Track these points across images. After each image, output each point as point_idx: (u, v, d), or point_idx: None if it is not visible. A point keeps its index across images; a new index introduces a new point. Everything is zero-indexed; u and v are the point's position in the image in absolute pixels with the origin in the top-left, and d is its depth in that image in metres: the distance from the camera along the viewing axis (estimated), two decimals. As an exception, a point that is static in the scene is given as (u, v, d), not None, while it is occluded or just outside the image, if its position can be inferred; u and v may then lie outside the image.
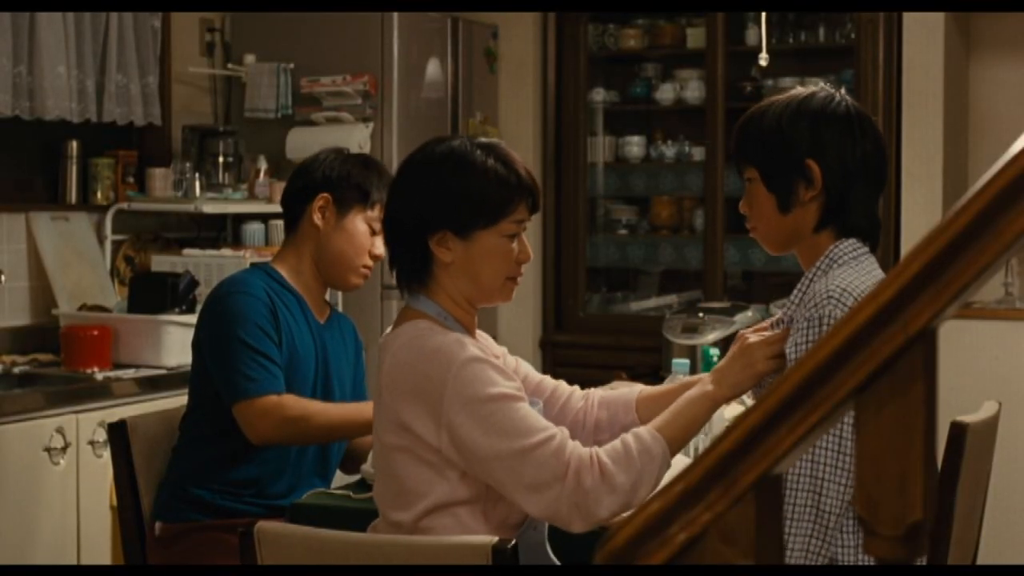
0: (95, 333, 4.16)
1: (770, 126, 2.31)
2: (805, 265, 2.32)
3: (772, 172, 2.31)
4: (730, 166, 5.37)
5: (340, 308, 3.78)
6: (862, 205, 2.30)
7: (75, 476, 3.83)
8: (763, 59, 4.18)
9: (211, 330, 2.95)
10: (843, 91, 2.36)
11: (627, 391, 2.56)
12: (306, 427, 2.89)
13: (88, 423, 3.86)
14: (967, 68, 5.26)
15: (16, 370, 4.17)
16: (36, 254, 4.47)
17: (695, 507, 1.24)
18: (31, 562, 3.71)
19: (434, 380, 2.18)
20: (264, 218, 4.82)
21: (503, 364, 2.39)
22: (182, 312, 4.20)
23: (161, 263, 4.58)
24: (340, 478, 3.15)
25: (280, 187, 3.43)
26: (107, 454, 3.58)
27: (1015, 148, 1.12)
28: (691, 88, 5.61)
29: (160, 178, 4.75)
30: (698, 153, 5.60)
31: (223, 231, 5.07)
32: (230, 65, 5.14)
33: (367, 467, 2.84)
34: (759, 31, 4.67)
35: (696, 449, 2.84)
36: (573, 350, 5.64)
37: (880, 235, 2.36)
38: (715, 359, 2.96)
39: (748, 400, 2.68)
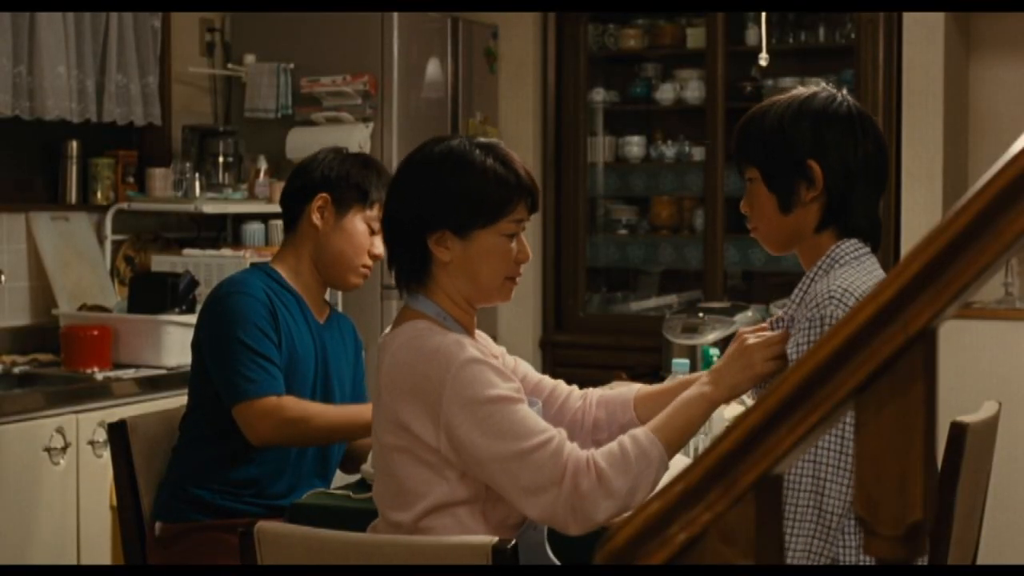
0: (95, 333, 4.16)
1: (772, 126, 2.30)
2: (806, 265, 2.32)
3: (773, 172, 2.31)
4: (730, 166, 5.37)
5: (340, 308, 3.78)
6: (863, 206, 2.30)
7: (75, 476, 3.83)
8: (763, 59, 4.18)
9: (211, 331, 2.95)
10: (845, 92, 2.36)
11: (625, 390, 2.56)
12: (306, 429, 2.89)
13: (88, 423, 3.86)
14: (967, 68, 5.26)
15: (16, 370, 4.17)
16: (36, 254, 4.47)
17: (695, 507, 1.24)
18: (31, 562, 3.71)
19: (433, 381, 2.18)
20: (264, 218, 4.82)
21: (502, 364, 2.39)
22: (182, 312, 4.20)
23: (161, 263, 4.58)
24: (340, 478, 3.15)
25: (280, 187, 3.43)
26: (107, 454, 3.58)
27: (1015, 148, 1.12)
28: (691, 88, 5.61)
29: (160, 178, 4.75)
30: (698, 153, 5.60)
31: (223, 231, 5.07)
32: (230, 65, 5.14)
33: (367, 467, 2.84)
34: (759, 31, 4.67)
35: (696, 449, 2.84)
36: (573, 350, 5.64)
37: (881, 235, 2.36)
38: (715, 359, 2.95)
39: (748, 400, 2.68)
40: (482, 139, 2.36)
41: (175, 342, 4.15)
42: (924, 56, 4.98)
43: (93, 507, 3.87)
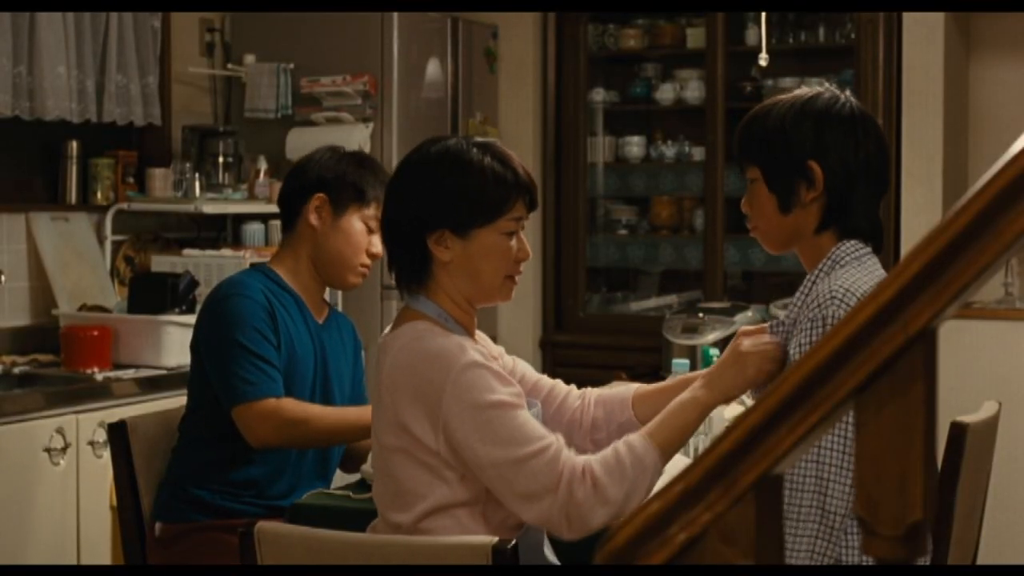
0: (95, 333, 4.16)
1: (773, 126, 2.30)
2: (807, 266, 2.32)
3: (774, 172, 2.31)
4: (730, 166, 5.37)
5: (340, 308, 3.78)
6: (864, 207, 2.30)
7: (75, 476, 3.83)
8: (763, 59, 4.18)
9: (209, 333, 2.94)
10: (847, 92, 2.36)
11: (623, 389, 2.56)
12: (305, 430, 2.88)
13: (88, 423, 3.86)
14: (967, 68, 5.26)
15: (16, 370, 4.17)
16: (36, 254, 4.47)
17: (695, 507, 1.23)
18: (31, 562, 3.71)
19: (434, 383, 2.18)
20: (264, 218, 4.82)
21: (501, 365, 2.38)
22: (182, 312, 4.20)
23: (161, 263, 4.58)
24: (340, 478, 3.15)
25: (280, 187, 3.43)
26: (107, 454, 3.58)
27: (1015, 148, 1.12)
28: (691, 88, 5.61)
29: (160, 178, 4.75)
30: (698, 153, 5.60)
31: (223, 231, 5.07)
32: (230, 65, 5.14)
33: (367, 467, 2.84)
34: (759, 31, 4.67)
35: (696, 449, 2.84)
36: (573, 350, 5.64)
37: (883, 236, 2.36)
38: (715, 359, 2.95)
39: (748, 400, 2.68)
40: (479, 138, 2.36)
41: (175, 342, 4.15)
42: (924, 56, 4.98)
43: (93, 507, 3.87)
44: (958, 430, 2.70)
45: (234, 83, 5.18)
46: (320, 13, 4.93)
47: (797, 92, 2.36)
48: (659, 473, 2.19)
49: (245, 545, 2.16)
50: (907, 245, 4.97)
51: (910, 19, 5.02)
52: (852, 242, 2.29)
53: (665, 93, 5.66)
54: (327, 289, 3.16)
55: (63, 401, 3.85)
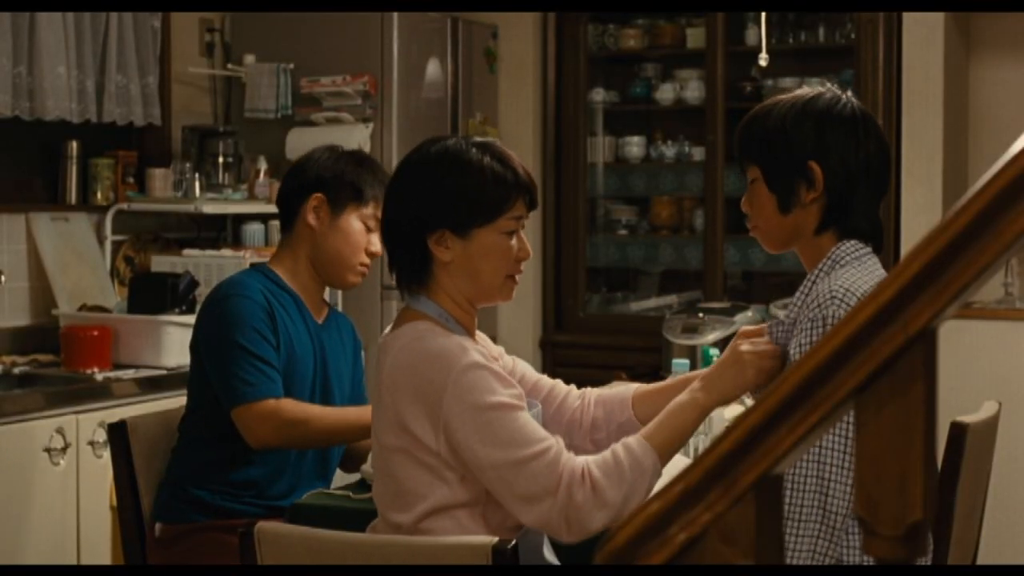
0: (95, 333, 4.16)
1: (774, 126, 2.30)
2: (808, 266, 2.32)
3: (774, 172, 2.31)
4: (730, 166, 5.37)
5: (340, 308, 3.77)
6: (864, 207, 2.30)
7: (75, 476, 3.83)
8: (763, 59, 4.18)
9: (209, 334, 2.94)
10: (849, 93, 2.36)
11: (623, 388, 2.56)
12: (305, 431, 2.88)
13: (88, 423, 3.86)
14: (967, 68, 5.26)
15: (16, 370, 4.17)
16: (36, 254, 4.47)
17: (695, 507, 1.23)
18: (31, 562, 3.71)
19: (435, 384, 2.18)
20: (264, 218, 4.82)
21: (501, 365, 2.38)
22: (182, 312, 4.20)
23: (161, 263, 4.58)
24: (340, 478, 3.15)
25: (280, 187, 3.44)
26: (107, 454, 3.58)
27: (1015, 148, 1.12)
28: (691, 88, 5.61)
29: (160, 178, 4.75)
30: (698, 153, 5.60)
31: (223, 231, 5.07)
32: (230, 65, 5.14)
33: (367, 467, 2.84)
34: (759, 31, 4.67)
35: (696, 449, 2.84)
36: (573, 350, 5.64)
37: (883, 237, 2.36)
38: (715, 359, 2.95)
39: (748, 400, 2.68)
40: (478, 138, 2.36)
41: (175, 342, 4.15)
42: (924, 56, 4.98)
43: (93, 507, 3.87)
44: (958, 430, 2.70)
45: (234, 83, 5.18)
46: (320, 13, 4.93)
47: (798, 92, 2.36)
48: (657, 475, 2.19)
49: (245, 545, 2.16)
50: (907, 245, 4.96)
51: (910, 19, 5.02)
52: (852, 242, 2.29)
53: (665, 93, 5.66)
54: (327, 289, 3.16)
55: (63, 401, 3.85)
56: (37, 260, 4.47)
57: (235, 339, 2.87)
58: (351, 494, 2.77)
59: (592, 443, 2.49)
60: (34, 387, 3.99)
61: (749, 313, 4.97)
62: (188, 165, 4.84)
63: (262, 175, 4.88)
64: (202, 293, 4.17)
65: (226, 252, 4.59)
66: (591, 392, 2.57)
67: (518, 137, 5.57)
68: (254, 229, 4.84)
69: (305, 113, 4.97)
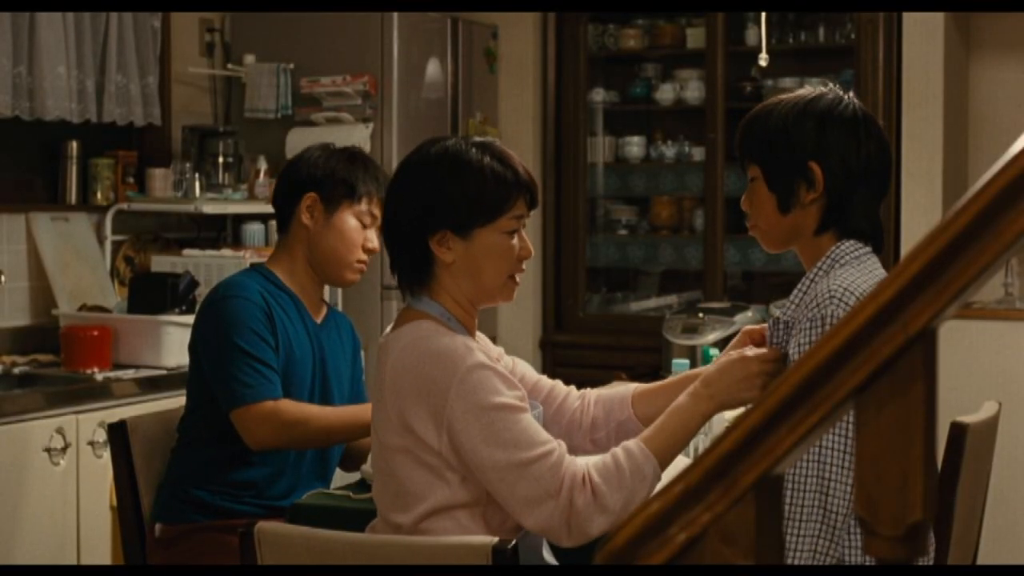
0: (95, 333, 4.16)
1: (775, 125, 2.30)
2: (807, 266, 2.32)
3: (774, 172, 2.31)
4: (730, 166, 5.37)
5: (340, 308, 3.77)
6: (864, 208, 2.29)
7: (75, 476, 3.83)
8: (763, 59, 4.18)
9: (207, 336, 2.93)
10: (851, 94, 2.36)
11: (623, 388, 2.56)
12: (304, 431, 2.88)
13: (88, 423, 3.86)
14: (967, 68, 5.26)
15: (16, 370, 4.17)
16: (36, 254, 4.47)
17: (695, 507, 1.23)
18: (31, 562, 3.71)
19: (438, 383, 2.18)
20: (264, 218, 4.82)
21: (502, 366, 2.38)
22: (182, 312, 4.19)
23: (161, 263, 4.58)
24: (340, 478, 3.14)
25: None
26: (107, 454, 3.58)
27: (1015, 148, 1.12)
28: (691, 88, 5.61)
29: (160, 178, 4.75)
30: (698, 153, 5.60)
31: (223, 231, 5.07)
32: (230, 65, 5.14)
33: (367, 467, 2.84)
34: (759, 31, 4.67)
35: (696, 449, 2.84)
36: (573, 350, 5.64)
37: (883, 238, 2.35)
38: (715, 359, 2.95)
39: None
40: (478, 138, 2.36)
41: (175, 342, 4.15)
42: (924, 56, 4.98)
43: (93, 507, 3.87)
44: (958, 430, 2.70)
45: (234, 83, 5.18)
46: (320, 13, 4.93)
47: (800, 92, 2.35)
48: (657, 479, 2.19)
49: (245, 545, 2.16)
50: (907, 245, 4.96)
51: (910, 19, 5.02)
52: (851, 242, 2.29)
53: (665, 93, 5.66)
54: (326, 288, 3.15)
55: (63, 401, 3.85)
56: (37, 260, 4.47)
57: (233, 340, 2.87)
58: (351, 494, 2.76)
59: (592, 443, 2.49)
60: (34, 387, 3.99)
61: (749, 313, 4.97)
62: (188, 165, 4.84)
63: (262, 175, 4.88)
64: (202, 293, 4.17)
65: (226, 252, 4.59)
66: (591, 392, 2.57)
67: (518, 137, 5.57)
68: (254, 229, 4.83)
69: (305, 113, 4.97)
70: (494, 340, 2.68)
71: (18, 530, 3.69)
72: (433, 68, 5.13)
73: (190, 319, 3.09)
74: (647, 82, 5.76)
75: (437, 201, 2.27)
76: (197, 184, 4.80)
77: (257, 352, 2.87)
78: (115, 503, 3.28)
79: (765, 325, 2.36)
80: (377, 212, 3.03)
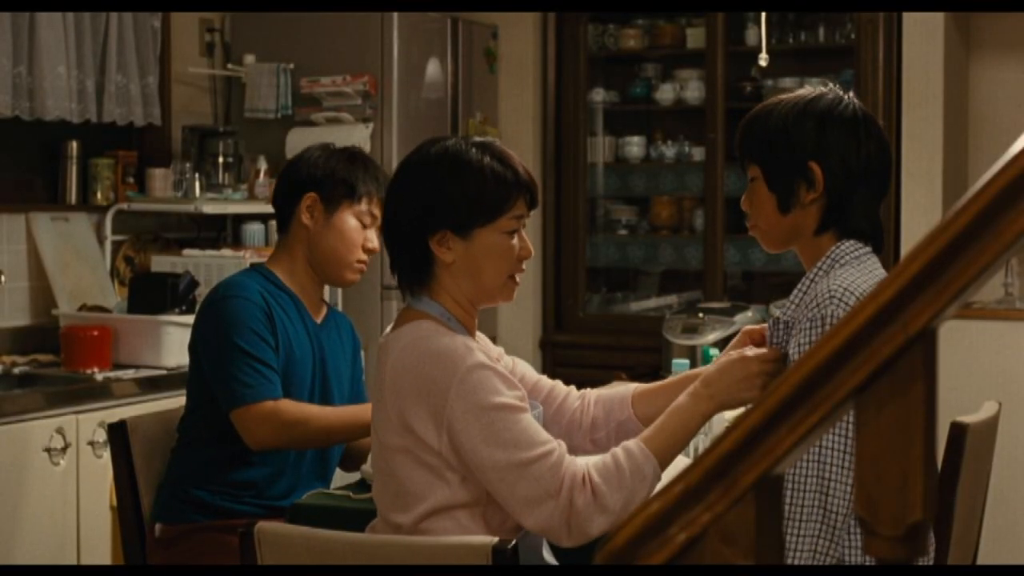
0: (95, 333, 4.16)
1: (776, 125, 2.30)
2: (807, 266, 2.32)
3: (774, 172, 2.31)
4: (730, 166, 5.37)
5: (340, 308, 3.77)
6: (864, 208, 2.29)
7: (75, 476, 3.83)
8: (763, 59, 4.18)
9: (207, 336, 2.93)
10: (851, 94, 2.36)
11: (623, 388, 2.56)
12: (304, 431, 2.88)
13: (88, 423, 3.86)
14: (967, 68, 5.26)
15: (16, 370, 4.17)
16: (36, 254, 4.47)
17: (695, 507, 1.23)
18: (31, 562, 3.71)
19: (438, 383, 2.18)
20: (264, 218, 4.82)
21: (502, 366, 2.38)
22: (182, 312, 4.19)
23: (161, 263, 4.58)
24: (340, 478, 3.14)
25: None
26: (107, 454, 3.58)
27: (1015, 148, 1.12)
28: (691, 88, 5.61)
29: (160, 178, 4.75)
30: (698, 153, 5.60)
31: (223, 231, 5.07)
32: (230, 65, 5.14)
33: (367, 467, 2.84)
34: (759, 31, 4.67)
35: (696, 449, 2.84)
36: (573, 350, 5.64)
37: (883, 238, 2.35)
38: (715, 359, 2.95)
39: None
40: (478, 138, 2.36)
41: (175, 342, 4.15)
42: (924, 56, 4.98)
43: (93, 507, 3.87)
44: (958, 430, 2.70)
45: (234, 83, 5.18)
46: (320, 13, 4.93)
47: (800, 92, 2.35)
48: (657, 480, 2.19)
49: (245, 545, 2.16)
50: (907, 245, 4.96)
51: (910, 19, 5.02)
52: (851, 242, 2.29)
53: (665, 93, 5.66)
54: (327, 288, 3.15)
55: (63, 401, 3.85)
56: (37, 260, 4.47)
57: (233, 341, 2.87)
58: (351, 494, 2.77)
59: (592, 443, 2.49)
60: (34, 387, 3.99)
61: (749, 313, 4.97)
62: (188, 165, 4.84)
63: (262, 175, 4.88)
64: (202, 293, 4.17)
65: (226, 252, 4.59)
66: (591, 392, 2.57)
67: (518, 137, 5.57)
68: (254, 229, 4.83)
69: (305, 113, 4.97)
70: (494, 340, 2.68)
71: (18, 530, 3.69)
72: (433, 68, 5.13)
73: (190, 319, 3.09)
74: (647, 82, 5.76)
75: (437, 201, 2.27)
76: (197, 184, 4.80)
77: (257, 352, 2.87)
78: (115, 503, 3.28)
79: (765, 325, 2.36)
80: (377, 212, 3.03)
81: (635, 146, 5.74)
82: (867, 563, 2.14)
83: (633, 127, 5.82)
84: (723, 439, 1.23)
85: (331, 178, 3.00)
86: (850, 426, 2.07)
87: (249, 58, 5.05)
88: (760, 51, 4.22)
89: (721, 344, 4.56)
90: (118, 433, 3.02)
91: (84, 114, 4.57)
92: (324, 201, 3.00)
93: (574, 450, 2.29)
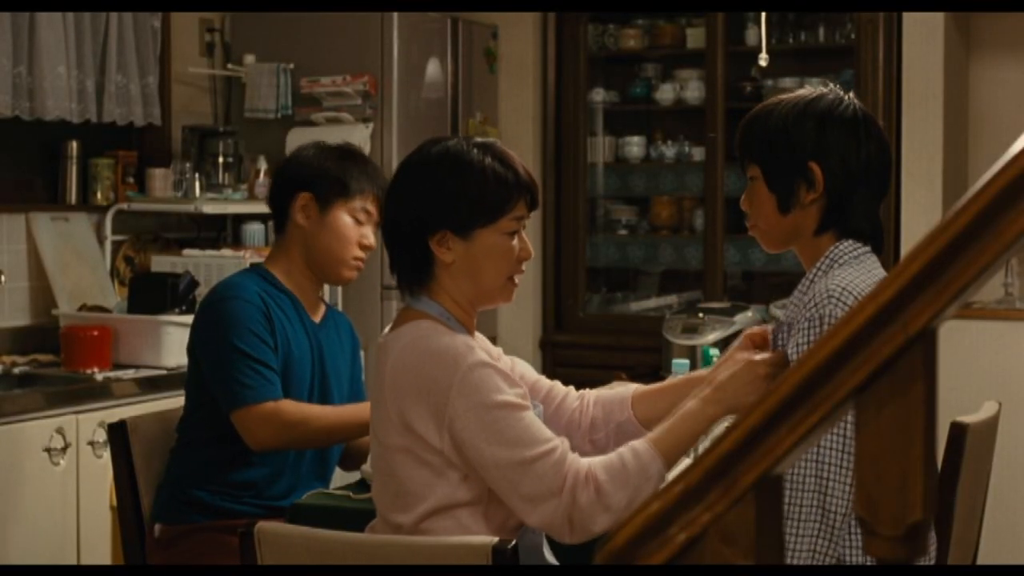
0: (95, 333, 4.16)
1: (776, 125, 2.30)
2: (807, 267, 2.32)
3: (774, 172, 2.31)
4: (730, 166, 5.37)
5: (340, 307, 3.77)
6: (863, 208, 2.29)
7: (75, 476, 3.83)
8: (763, 59, 4.18)
9: (206, 337, 2.93)
10: (851, 94, 2.36)
11: (623, 389, 2.56)
12: (305, 431, 2.88)
13: (88, 423, 3.86)
14: (967, 68, 5.26)
15: (16, 370, 4.17)
16: (36, 254, 4.47)
17: (695, 507, 1.23)
18: (31, 562, 3.71)
19: (440, 382, 2.18)
20: (264, 218, 4.82)
21: (501, 365, 2.38)
22: (182, 312, 4.19)
23: (161, 263, 4.58)
24: (340, 478, 3.14)
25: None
26: (107, 454, 3.58)
27: (1015, 148, 1.12)
28: (691, 88, 5.61)
29: (160, 178, 4.75)
30: (698, 153, 5.60)
31: (223, 231, 5.07)
32: (230, 65, 5.14)
33: (367, 467, 2.84)
34: (759, 31, 4.67)
35: (696, 449, 2.84)
36: (573, 350, 5.64)
37: (883, 238, 2.35)
38: (715, 359, 2.95)
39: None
40: (479, 138, 2.36)
41: (175, 342, 4.14)
42: (924, 56, 4.98)
43: (93, 507, 3.87)
44: (958, 430, 2.70)
45: (234, 83, 5.18)
46: (320, 13, 4.93)
47: (800, 92, 2.35)
48: (662, 481, 2.18)
49: (245, 545, 2.16)
50: (907, 245, 4.96)
51: (910, 19, 5.02)
52: (850, 241, 2.29)
53: (665, 93, 5.66)
54: (327, 288, 3.15)
55: (63, 401, 3.85)
56: (37, 260, 4.47)
57: (232, 342, 2.86)
58: (351, 494, 2.77)
59: (591, 444, 2.49)
60: (34, 387, 3.99)
61: (749, 313, 4.97)
62: (188, 165, 4.84)
63: (262, 175, 4.88)
64: (202, 293, 4.17)
65: (226, 252, 4.59)
66: (590, 393, 2.57)
67: (518, 137, 5.57)
68: (254, 229, 4.84)
69: (305, 113, 4.97)
70: (494, 340, 2.68)
71: (18, 530, 3.69)
72: (433, 68, 5.13)
73: (190, 319, 3.09)
74: (647, 82, 5.76)
75: (437, 201, 2.27)
76: (197, 184, 4.80)
77: (256, 353, 2.87)
78: (115, 503, 3.28)
79: (766, 327, 2.36)
80: (371, 208, 3.02)
81: (635, 146, 5.74)
82: (867, 563, 2.14)
83: (633, 127, 5.82)
84: (723, 439, 1.23)
85: (323, 177, 2.99)
86: (848, 426, 2.07)
87: (249, 58, 5.05)
88: (760, 51, 4.22)
89: (721, 344, 4.56)
90: (118, 433, 3.02)
91: (84, 114, 4.57)
92: (317, 200, 2.99)
93: (572, 450, 2.29)
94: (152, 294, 4.24)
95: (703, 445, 2.78)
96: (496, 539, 2.04)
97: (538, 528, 2.20)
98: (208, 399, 2.93)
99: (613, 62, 5.87)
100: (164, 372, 4.15)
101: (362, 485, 2.84)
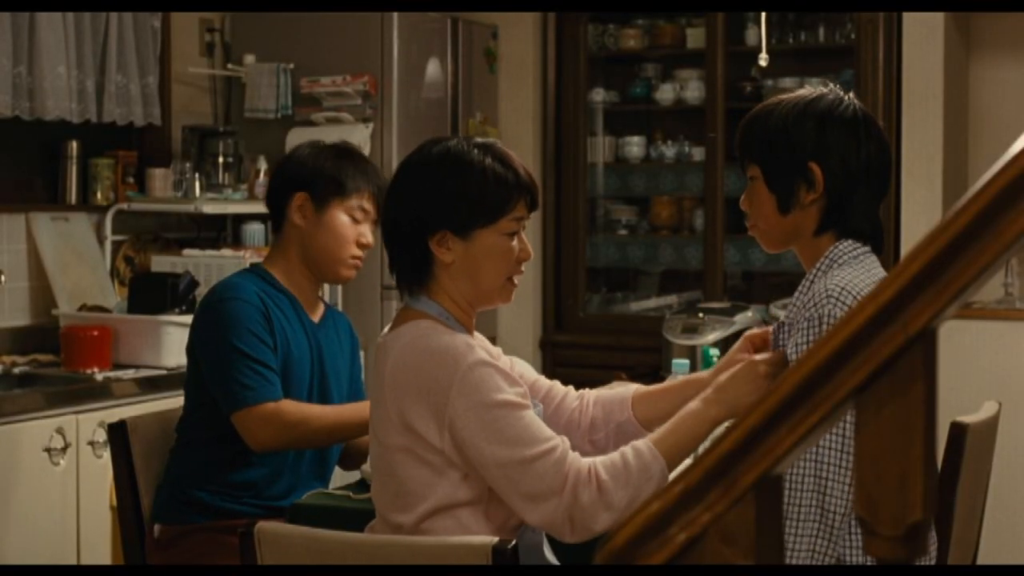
0: (95, 333, 4.16)
1: (776, 125, 2.30)
2: (807, 267, 2.32)
3: (774, 172, 2.31)
4: (730, 166, 5.37)
5: (340, 307, 3.77)
6: (863, 208, 2.29)
7: (75, 476, 3.83)
8: (763, 59, 4.18)
9: (206, 338, 2.93)
10: (852, 94, 2.36)
11: (623, 389, 2.56)
12: (305, 431, 2.88)
13: (88, 423, 3.86)
14: (967, 68, 5.26)
15: (16, 370, 4.17)
16: (36, 254, 4.47)
17: (695, 507, 1.23)
18: (31, 562, 3.71)
19: (440, 381, 2.17)
20: (264, 218, 4.82)
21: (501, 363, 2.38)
22: (182, 312, 4.19)
23: (161, 263, 4.58)
24: (340, 477, 3.14)
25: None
26: (107, 454, 3.58)
27: (1015, 148, 1.12)
28: (691, 88, 5.61)
29: (160, 178, 4.75)
30: (698, 153, 5.60)
31: (223, 231, 5.07)
32: (230, 65, 5.14)
33: (366, 467, 2.84)
34: (759, 31, 4.67)
35: (696, 450, 2.84)
36: (573, 350, 5.64)
37: (883, 238, 2.35)
38: (715, 359, 2.95)
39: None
40: (479, 139, 2.36)
41: (175, 342, 4.15)
42: (924, 56, 4.98)
43: (93, 507, 3.87)
44: (958, 430, 2.70)
45: (234, 83, 5.18)
46: (320, 13, 4.93)
47: (801, 92, 2.35)
48: (664, 481, 2.18)
49: (245, 545, 2.16)
50: (907, 245, 4.96)
51: (910, 19, 5.02)
52: (849, 241, 2.29)
53: (665, 93, 5.66)
54: (326, 288, 3.15)
55: (63, 401, 3.85)
56: (37, 260, 4.47)
57: (232, 343, 2.86)
58: (351, 494, 2.77)
59: (590, 443, 2.49)
60: (34, 387, 3.99)
61: (749, 313, 4.96)
62: (188, 165, 4.84)
63: (262, 175, 4.88)
64: (201, 293, 4.17)
65: (226, 252, 4.59)
66: (590, 393, 2.57)
67: (518, 137, 5.57)
68: (254, 229, 4.84)
69: (305, 113, 4.97)
70: (493, 340, 2.68)
71: (18, 530, 3.69)
72: (433, 68, 5.13)
73: (190, 319, 3.09)
74: (647, 82, 5.76)
75: (437, 201, 2.27)
76: (197, 184, 4.80)
77: (256, 354, 2.87)
78: (115, 503, 3.28)
79: (766, 329, 2.36)
80: (368, 206, 3.02)
81: (635, 146, 5.74)
82: (867, 563, 2.14)
83: (633, 127, 5.82)
84: (723, 439, 1.23)
85: (319, 177, 2.99)
86: (847, 426, 2.07)
87: (249, 58, 5.05)
88: (760, 51, 4.22)
89: (721, 344, 4.56)
90: (118, 433, 3.02)
91: (84, 114, 4.57)
92: (314, 200, 2.99)
93: (572, 450, 2.29)
94: (152, 294, 4.24)
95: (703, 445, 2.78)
96: (496, 539, 2.04)
97: (539, 527, 2.20)
98: (208, 399, 2.93)
99: (613, 62, 5.87)
100: (164, 372, 4.15)
101: (362, 485, 2.84)
